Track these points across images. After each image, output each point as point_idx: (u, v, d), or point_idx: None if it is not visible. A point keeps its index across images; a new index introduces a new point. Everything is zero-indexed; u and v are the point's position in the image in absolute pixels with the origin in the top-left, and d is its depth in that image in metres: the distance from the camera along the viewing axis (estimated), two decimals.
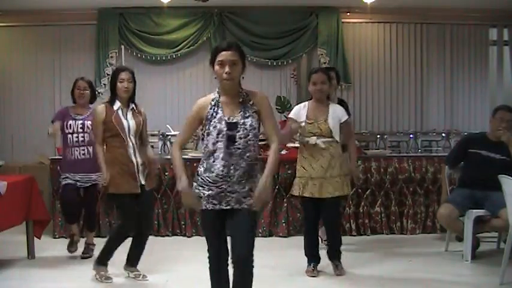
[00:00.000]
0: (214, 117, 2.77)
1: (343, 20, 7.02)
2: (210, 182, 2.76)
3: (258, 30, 6.95)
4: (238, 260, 2.75)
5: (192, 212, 5.41)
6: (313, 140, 4.01)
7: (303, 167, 4.09)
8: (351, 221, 5.47)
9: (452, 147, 5.26)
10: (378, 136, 6.00)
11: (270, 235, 5.45)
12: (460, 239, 4.71)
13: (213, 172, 2.75)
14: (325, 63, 6.83)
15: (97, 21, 6.82)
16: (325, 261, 4.22)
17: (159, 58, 6.93)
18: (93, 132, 4.10)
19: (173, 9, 6.65)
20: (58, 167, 4.94)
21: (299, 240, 5.04)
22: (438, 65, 7.22)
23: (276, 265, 4.34)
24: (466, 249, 4.44)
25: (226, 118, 2.75)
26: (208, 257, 2.91)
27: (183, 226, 5.46)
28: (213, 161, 2.75)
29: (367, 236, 5.46)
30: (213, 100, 2.82)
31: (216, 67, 2.77)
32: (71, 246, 4.69)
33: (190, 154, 5.49)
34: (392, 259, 4.58)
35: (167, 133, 5.60)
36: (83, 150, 4.57)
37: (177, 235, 5.45)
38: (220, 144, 2.74)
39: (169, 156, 5.53)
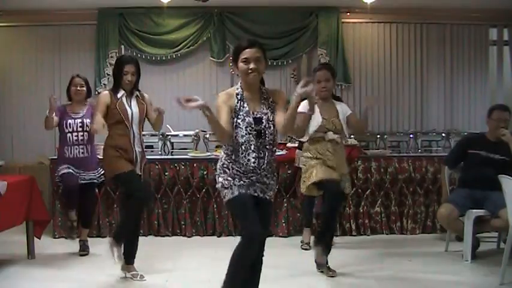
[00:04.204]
0: (242, 110, 2.84)
1: (343, 20, 7.03)
2: (240, 173, 2.84)
3: (258, 30, 6.94)
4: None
5: (192, 212, 5.42)
6: (330, 135, 4.02)
7: (317, 156, 4.02)
8: (351, 221, 5.46)
9: (452, 147, 5.25)
10: (378, 136, 5.99)
11: (270, 235, 5.44)
12: (460, 239, 4.71)
13: (243, 164, 2.83)
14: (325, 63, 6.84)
15: (97, 21, 6.82)
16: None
17: (159, 58, 6.93)
18: (95, 110, 3.92)
19: (173, 9, 6.65)
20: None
21: (299, 240, 5.05)
22: (438, 65, 7.22)
23: (277, 265, 4.31)
24: (466, 249, 4.44)
25: (252, 112, 2.84)
26: (243, 240, 2.80)
27: (183, 226, 5.46)
28: (243, 154, 2.83)
29: (367, 236, 5.45)
30: (237, 94, 2.89)
31: (241, 64, 2.85)
32: (71, 232, 4.59)
33: (190, 154, 5.50)
34: (392, 259, 4.57)
35: (167, 133, 5.59)
36: (82, 148, 4.58)
37: (177, 235, 5.44)
38: (250, 137, 2.82)
39: (169, 156, 5.55)
